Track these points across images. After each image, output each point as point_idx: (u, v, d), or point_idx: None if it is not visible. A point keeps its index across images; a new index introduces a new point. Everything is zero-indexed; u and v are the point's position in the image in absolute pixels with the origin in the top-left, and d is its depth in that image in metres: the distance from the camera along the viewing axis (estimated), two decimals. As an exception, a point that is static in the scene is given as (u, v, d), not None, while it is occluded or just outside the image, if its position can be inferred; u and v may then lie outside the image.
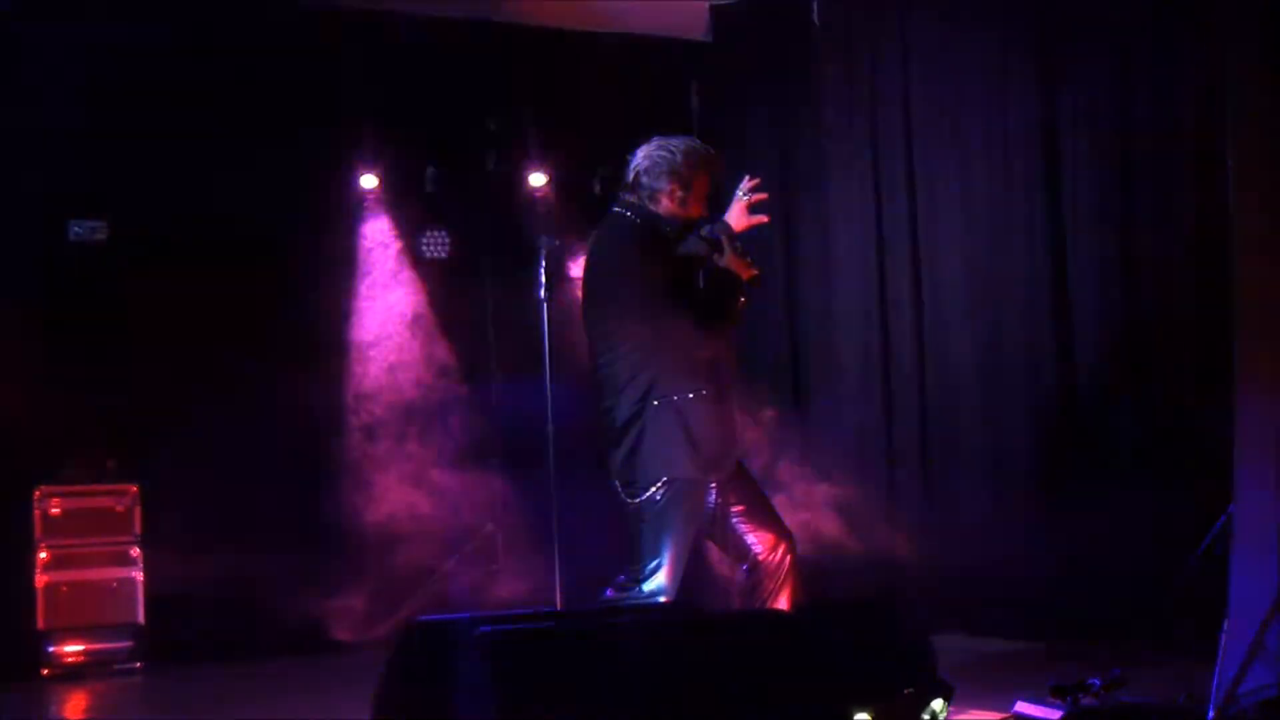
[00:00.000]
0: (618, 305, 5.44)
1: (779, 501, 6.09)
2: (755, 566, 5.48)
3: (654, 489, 5.34)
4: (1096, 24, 7.72)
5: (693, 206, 5.53)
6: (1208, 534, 5.46)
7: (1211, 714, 4.84)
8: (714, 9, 9.71)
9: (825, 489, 8.34)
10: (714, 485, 5.46)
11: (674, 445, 5.35)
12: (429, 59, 9.18)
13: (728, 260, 5.49)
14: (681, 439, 5.34)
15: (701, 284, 5.44)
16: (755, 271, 5.52)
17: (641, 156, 5.55)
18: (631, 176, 5.55)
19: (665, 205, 5.49)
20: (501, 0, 9.30)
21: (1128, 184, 7.65)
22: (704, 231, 5.54)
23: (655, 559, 5.32)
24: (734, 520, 5.46)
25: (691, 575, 6.64)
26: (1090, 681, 5.36)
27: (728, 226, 5.53)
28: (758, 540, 5.46)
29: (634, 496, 5.37)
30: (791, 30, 9.35)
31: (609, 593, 5.39)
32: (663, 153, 5.52)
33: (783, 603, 5.43)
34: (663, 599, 5.29)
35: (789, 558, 5.49)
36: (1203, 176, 6.89)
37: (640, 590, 5.30)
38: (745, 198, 5.57)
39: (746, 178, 5.62)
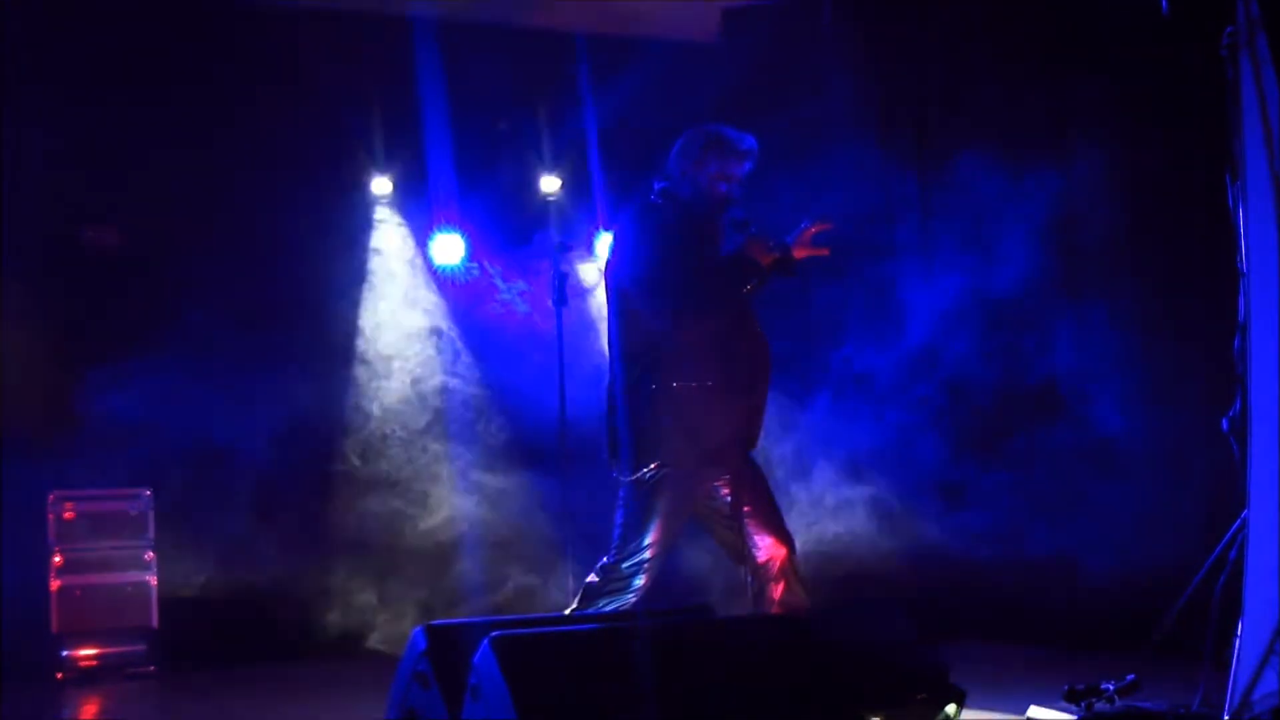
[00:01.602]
0: (626, 284, 5.48)
1: (794, 501, 6.08)
2: (755, 570, 5.47)
3: (644, 470, 5.37)
4: (1106, 28, 7.72)
5: (711, 186, 5.52)
6: (1222, 539, 5.44)
7: (1226, 718, 4.83)
8: (725, 12, 9.71)
9: (844, 490, 8.36)
10: (723, 483, 5.43)
11: (667, 431, 5.38)
12: (441, 62, 9.19)
13: (748, 245, 5.49)
14: (676, 426, 5.37)
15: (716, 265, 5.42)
16: (775, 255, 5.50)
17: None
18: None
19: (688, 188, 5.53)
20: (513, 4, 9.30)
21: (1140, 184, 7.65)
22: (737, 219, 5.58)
23: (636, 540, 5.36)
24: (749, 519, 5.45)
25: (705, 578, 6.63)
26: (1104, 686, 5.35)
27: (787, 248, 5.56)
28: (759, 544, 5.45)
29: (625, 475, 5.40)
30: (803, 33, 9.34)
31: (592, 577, 5.42)
32: (680, 139, 5.63)
33: (784, 607, 5.43)
34: (641, 579, 5.31)
35: (788, 563, 5.47)
36: (1213, 189, 6.88)
37: (620, 569, 5.32)
38: (811, 227, 5.59)
39: (819, 217, 5.65)
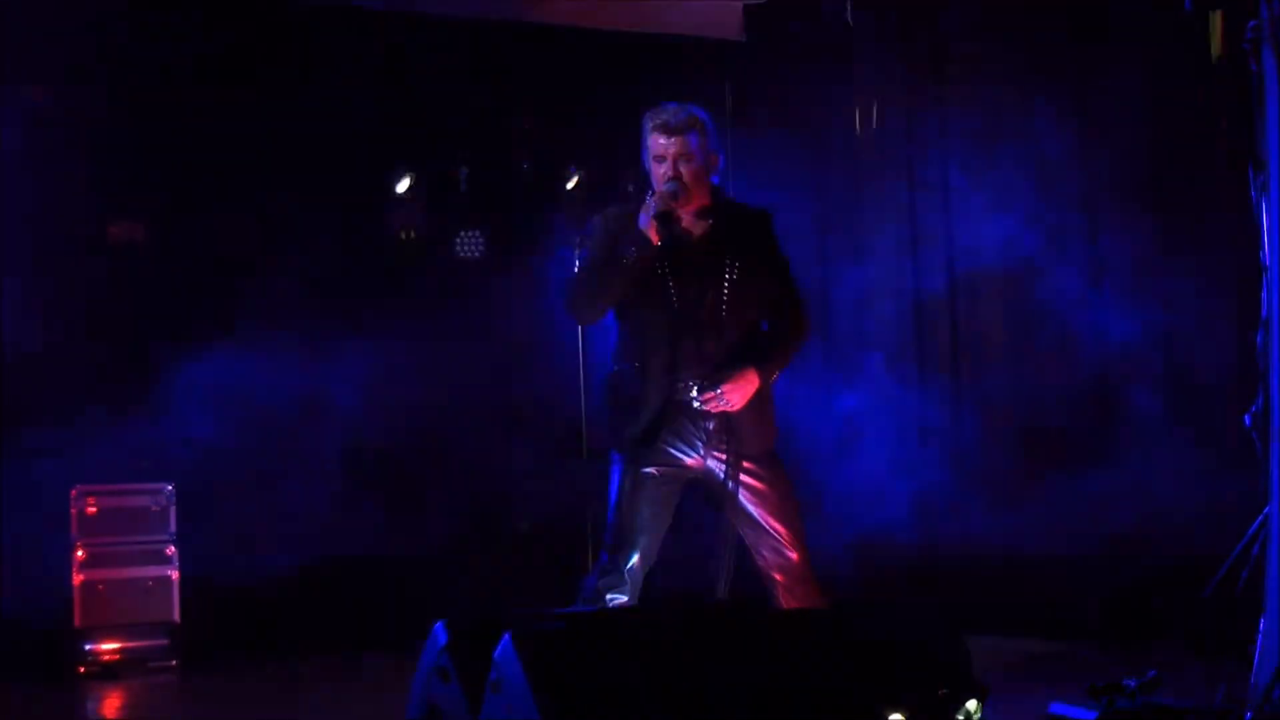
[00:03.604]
0: None
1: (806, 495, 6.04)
2: (768, 573, 5.42)
3: (609, 456, 5.45)
4: (1128, 26, 7.71)
5: (653, 170, 5.47)
6: (1244, 535, 5.43)
7: (1249, 715, 4.81)
8: (747, 9, 9.70)
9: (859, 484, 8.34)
10: (724, 472, 5.37)
11: (611, 415, 5.44)
12: (462, 60, 9.21)
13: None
14: (615, 409, 5.42)
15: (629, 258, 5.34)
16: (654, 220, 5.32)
17: None
18: None
19: (650, 178, 5.51)
20: (535, 1, 9.30)
21: (1160, 177, 7.64)
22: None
23: (611, 525, 5.35)
24: (750, 520, 5.40)
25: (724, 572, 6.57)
26: (1126, 682, 5.34)
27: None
28: (767, 552, 5.39)
29: (606, 459, 5.48)
30: (825, 30, 9.34)
31: (593, 568, 5.42)
32: None
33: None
34: (629, 564, 5.27)
35: (795, 575, 5.39)
36: (1235, 175, 6.86)
37: (608, 558, 5.31)
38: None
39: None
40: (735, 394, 5.33)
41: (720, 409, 5.33)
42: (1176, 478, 7.33)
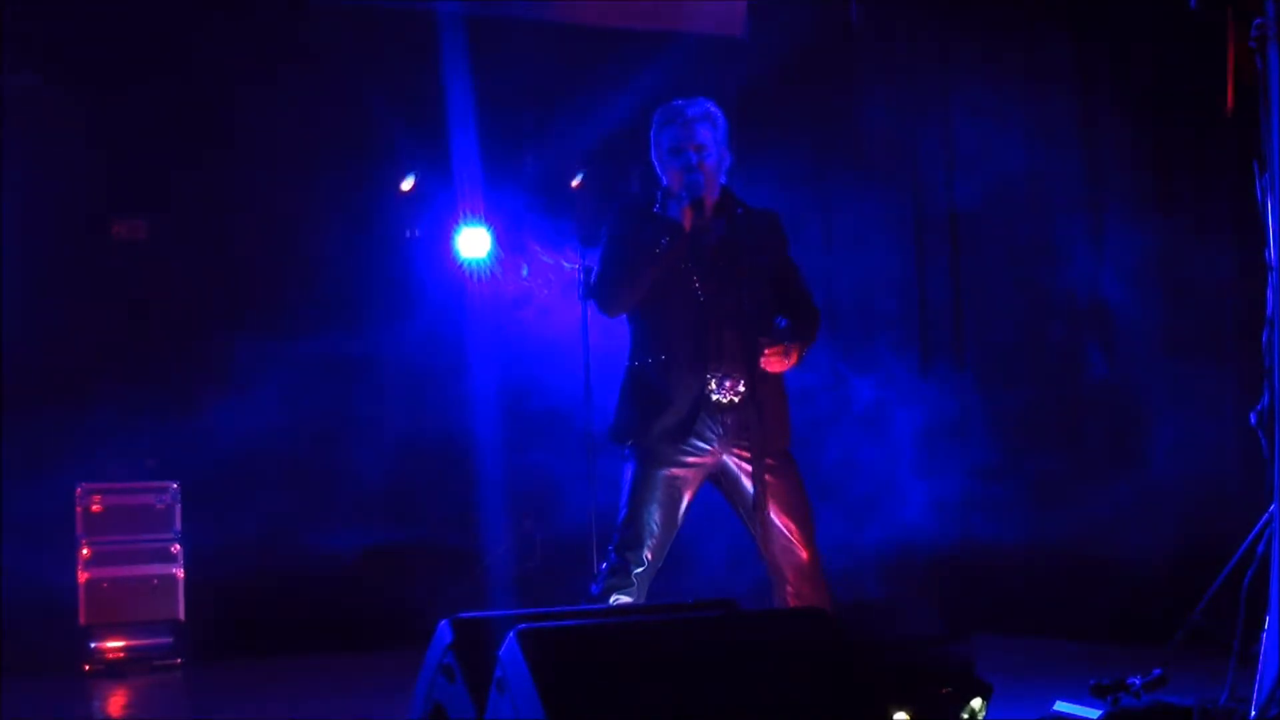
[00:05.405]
0: None
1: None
2: (777, 571, 5.41)
3: (625, 450, 5.41)
4: (1133, 19, 7.71)
5: (670, 163, 5.45)
6: (1249, 534, 5.42)
7: (1253, 715, 4.81)
8: (751, 7, 9.70)
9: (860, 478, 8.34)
10: (745, 472, 5.36)
11: (632, 409, 5.40)
12: (466, 57, 9.20)
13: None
14: (637, 404, 5.38)
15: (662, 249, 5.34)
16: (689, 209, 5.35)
17: None
18: None
19: (661, 174, 5.51)
20: (541, -1, 9.33)
21: (1167, 173, 7.64)
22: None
23: (622, 521, 5.32)
24: (762, 517, 5.38)
25: (730, 572, 6.58)
26: (1130, 681, 5.33)
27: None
28: (778, 549, 5.37)
29: (620, 455, 5.44)
30: (829, 28, 9.35)
31: (602, 564, 5.41)
32: None
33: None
34: (639, 564, 5.23)
35: (805, 573, 5.37)
36: (1241, 169, 6.86)
37: (618, 555, 5.30)
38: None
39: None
40: (785, 359, 5.36)
41: (773, 367, 5.34)
42: (1182, 476, 7.33)
